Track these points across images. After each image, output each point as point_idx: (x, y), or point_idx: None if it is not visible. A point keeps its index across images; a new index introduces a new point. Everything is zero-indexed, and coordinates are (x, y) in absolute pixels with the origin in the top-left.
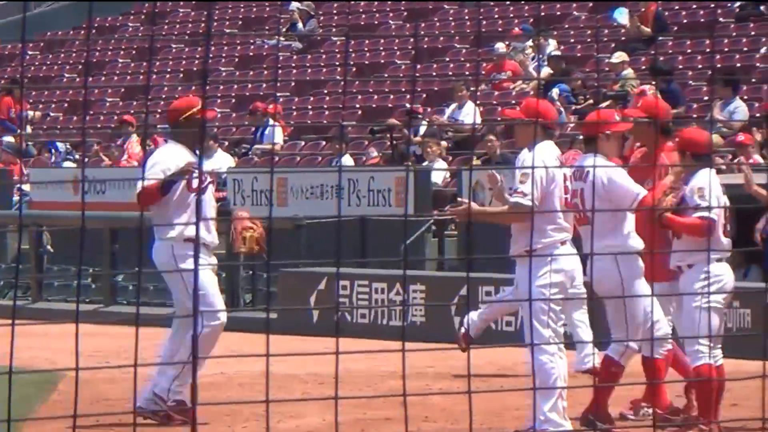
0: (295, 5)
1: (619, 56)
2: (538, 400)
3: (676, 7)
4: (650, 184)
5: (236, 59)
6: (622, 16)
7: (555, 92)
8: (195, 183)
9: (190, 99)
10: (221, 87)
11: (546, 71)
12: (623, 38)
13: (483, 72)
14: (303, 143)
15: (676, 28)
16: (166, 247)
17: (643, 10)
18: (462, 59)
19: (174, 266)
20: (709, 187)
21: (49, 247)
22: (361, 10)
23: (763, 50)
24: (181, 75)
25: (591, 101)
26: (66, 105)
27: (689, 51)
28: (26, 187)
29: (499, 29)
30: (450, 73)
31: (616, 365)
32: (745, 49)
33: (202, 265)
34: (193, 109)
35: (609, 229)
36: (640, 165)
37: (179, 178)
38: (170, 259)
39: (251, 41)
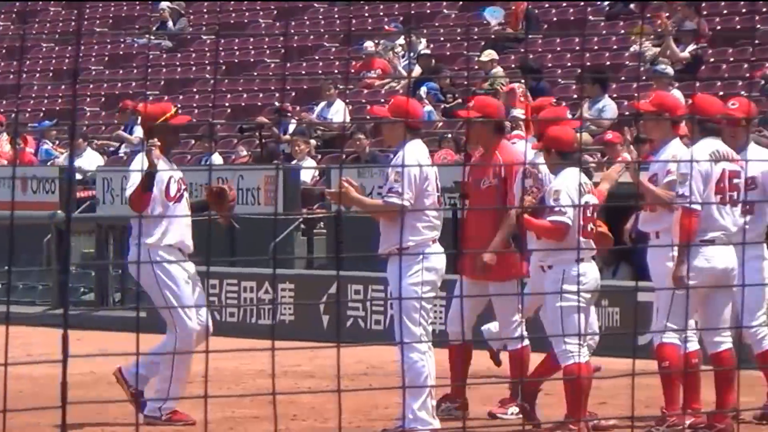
0: (164, 4)
1: (489, 54)
2: (408, 398)
3: (546, 5)
4: (486, 184)
5: (106, 58)
6: (493, 14)
7: (423, 90)
8: (173, 191)
9: (164, 105)
10: (91, 86)
11: (416, 70)
12: (493, 36)
13: (352, 70)
14: None
15: (546, 26)
16: (143, 254)
17: (513, 8)
18: (331, 58)
19: (151, 272)
20: (565, 190)
21: None
22: (230, 8)
23: (632, 48)
24: (51, 74)
25: (460, 100)
26: None
27: (559, 49)
28: None
29: (369, 27)
30: (319, 71)
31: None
32: (615, 47)
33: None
34: (165, 115)
35: None
36: (479, 164)
37: (153, 171)
38: (148, 265)
39: (121, 40)
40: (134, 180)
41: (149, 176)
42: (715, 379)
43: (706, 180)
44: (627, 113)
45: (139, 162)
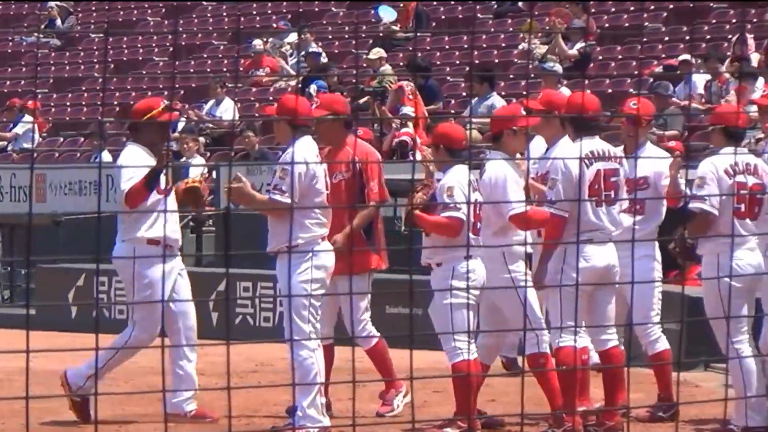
0: (53, 3)
1: (377, 52)
2: (298, 395)
3: (435, 3)
4: (338, 177)
5: None
6: (386, 12)
7: (313, 88)
8: (163, 184)
9: (151, 100)
10: None
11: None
12: (381, 34)
13: (241, 68)
14: (62, 140)
15: (434, 24)
16: (127, 249)
17: (402, 6)
18: (220, 56)
19: (130, 267)
20: (458, 185)
21: None
22: (119, 7)
23: (521, 46)
24: None
25: (349, 98)
26: None
27: (447, 47)
28: None
29: (258, 26)
30: (208, 69)
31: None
32: (503, 45)
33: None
34: (153, 111)
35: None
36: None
37: (159, 170)
38: (131, 261)
39: (9, 38)
40: (130, 175)
41: (155, 174)
42: (603, 376)
43: (579, 181)
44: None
45: (130, 156)
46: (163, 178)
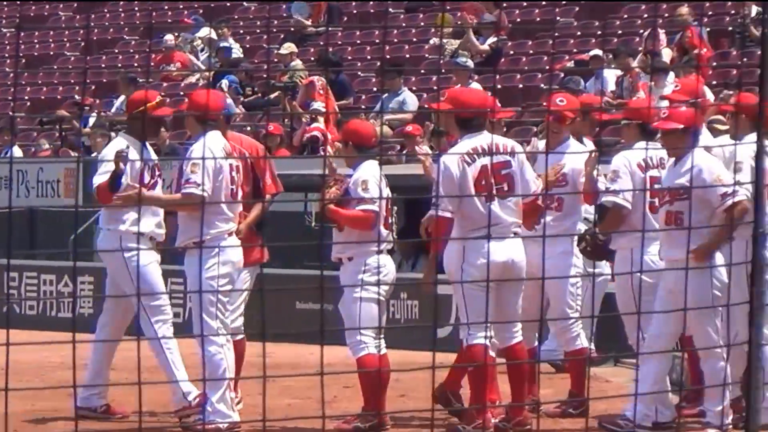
0: None
1: (288, 47)
2: (207, 391)
3: None
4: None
5: None
6: (299, 10)
7: (224, 83)
8: (147, 178)
9: (148, 92)
10: None
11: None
12: (293, 29)
13: (152, 64)
14: None
15: (346, 19)
16: (113, 238)
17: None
18: (131, 51)
19: (121, 258)
20: (372, 179)
21: None
22: (31, 1)
23: (432, 41)
24: None
25: (260, 93)
26: None
27: (359, 42)
28: None
29: (169, 21)
30: (119, 65)
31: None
32: (414, 39)
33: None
34: (148, 103)
35: None
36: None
37: (121, 170)
38: (118, 253)
39: None
40: (106, 169)
41: (115, 178)
42: (509, 372)
43: (462, 179)
44: (426, 106)
45: (111, 149)
46: (147, 173)
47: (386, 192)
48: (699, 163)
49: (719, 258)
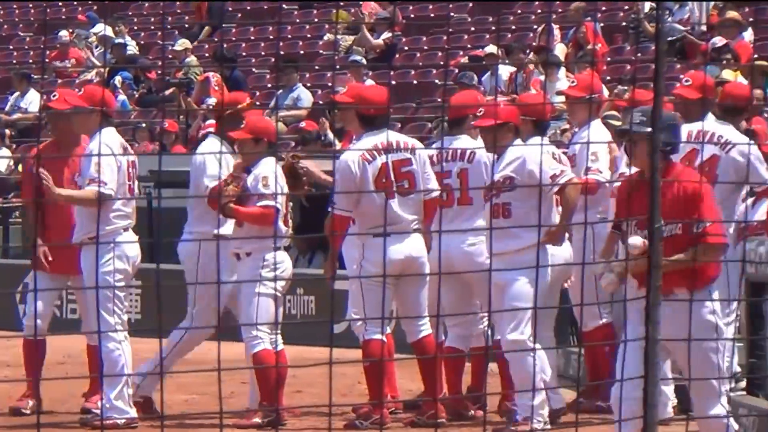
0: None
1: (183, 43)
2: (105, 387)
3: None
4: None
5: None
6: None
7: (118, 80)
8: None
9: (238, 95)
10: None
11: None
12: (187, 26)
13: (47, 60)
14: None
15: (239, 15)
16: (194, 243)
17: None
18: (26, 47)
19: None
20: (273, 176)
21: None
22: None
23: (326, 37)
24: None
25: (155, 89)
26: None
27: (253, 38)
28: None
29: (63, 17)
30: (14, 61)
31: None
32: (309, 36)
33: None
34: (239, 105)
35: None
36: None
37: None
38: (195, 255)
39: None
40: (215, 173)
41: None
42: (420, 366)
43: (362, 177)
44: (321, 102)
45: (209, 149)
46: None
47: (284, 188)
48: (521, 154)
49: (542, 256)
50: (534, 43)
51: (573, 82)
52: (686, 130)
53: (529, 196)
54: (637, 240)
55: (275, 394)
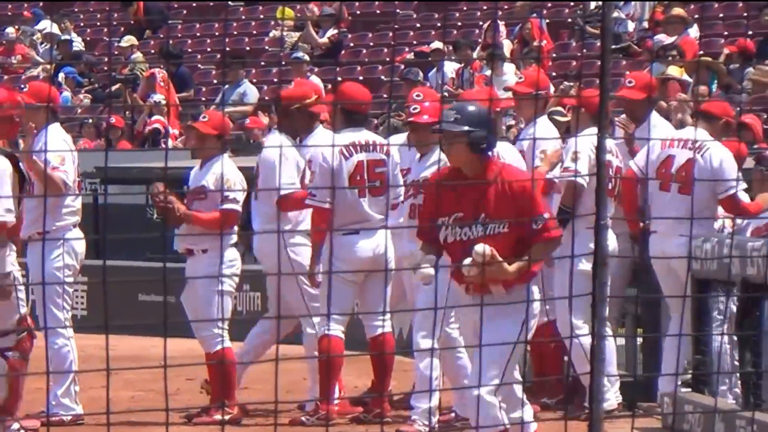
0: None
1: (128, 40)
2: (52, 384)
3: None
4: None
5: None
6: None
7: (61, 76)
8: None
9: (305, 89)
10: None
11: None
12: (132, 22)
13: None
14: None
15: (185, 12)
16: (274, 239)
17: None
18: None
19: (288, 261)
20: (233, 177)
21: None
22: None
23: (272, 33)
24: None
25: (100, 85)
26: None
27: (199, 35)
28: None
29: (9, 13)
30: None
31: None
32: (255, 32)
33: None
34: (307, 100)
35: None
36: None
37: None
38: (284, 253)
39: None
40: (293, 178)
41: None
42: (373, 363)
43: (338, 173)
44: (266, 98)
45: (274, 143)
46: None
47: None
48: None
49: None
50: (480, 40)
51: (520, 78)
52: (664, 134)
53: None
54: (481, 248)
55: (232, 392)
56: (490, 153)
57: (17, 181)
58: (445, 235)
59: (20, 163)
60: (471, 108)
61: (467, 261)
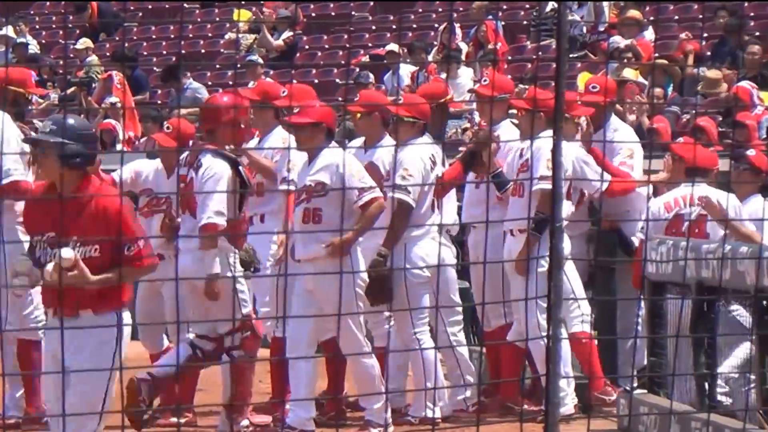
0: None
1: (84, 42)
2: (10, 384)
3: None
4: None
5: None
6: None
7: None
8: None
9: (439, 85)
10: None
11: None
12: (88, 24)
13: None
14: None
15: (141, 15)
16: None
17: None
18: None
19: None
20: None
21: None
22: None
23: (227, 36)
24: None
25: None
26: None
27: (154, 37)
28: None
29: None
30: None
31: None
32: (210, 34)
33: None
34: (445, 97)
35: None
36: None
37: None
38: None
39: None
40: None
41: None
42: (327, 365)
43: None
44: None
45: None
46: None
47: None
48: (335, 161)
49: (359, 258)
50: (436, 42)
51: (484, 80)
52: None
53: (337, 204)
54: (68, 253)
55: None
56: (85, 170)
57: (238, 186)
58: (39, 255)
59: (240, 167)
60: (70, 121)
61: (50, 265)
